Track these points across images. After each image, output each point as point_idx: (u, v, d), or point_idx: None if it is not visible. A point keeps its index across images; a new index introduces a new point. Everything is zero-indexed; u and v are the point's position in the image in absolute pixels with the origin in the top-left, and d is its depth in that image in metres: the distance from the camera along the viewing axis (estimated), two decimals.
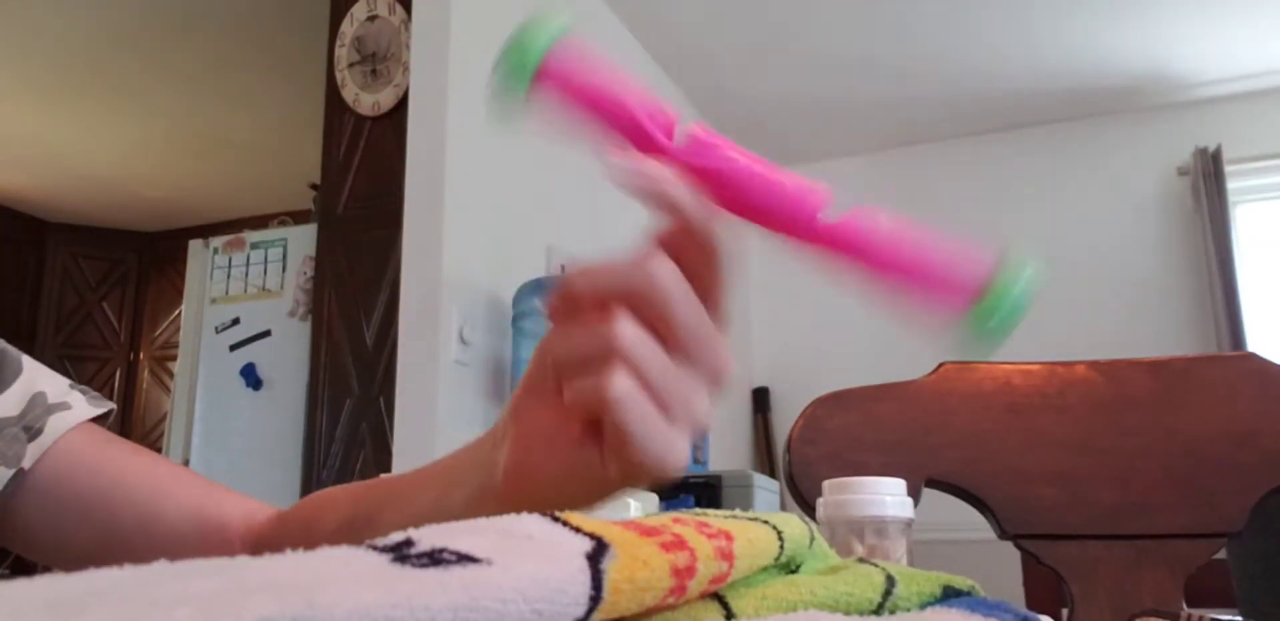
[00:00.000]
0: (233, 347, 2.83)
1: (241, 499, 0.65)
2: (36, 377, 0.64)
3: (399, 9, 2.59)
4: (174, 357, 3.86)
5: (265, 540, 0.61)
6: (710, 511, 0.35)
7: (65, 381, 0.66)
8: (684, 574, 0.27)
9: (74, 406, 0.64)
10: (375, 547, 0.22)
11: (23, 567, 4.65)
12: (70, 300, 5.15)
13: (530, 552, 0.24)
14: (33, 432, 0.61)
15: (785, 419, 4.03)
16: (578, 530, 0.26)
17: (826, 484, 0.62)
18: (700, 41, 3.48)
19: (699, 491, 2.66)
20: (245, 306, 2.87)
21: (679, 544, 0.28)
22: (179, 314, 3.80)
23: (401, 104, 2.50)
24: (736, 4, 3.26)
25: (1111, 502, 0.91)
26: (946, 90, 3.78)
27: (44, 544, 0.63)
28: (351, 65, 2.63)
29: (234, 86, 3.98)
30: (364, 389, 2.45)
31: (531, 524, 0.26)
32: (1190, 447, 0.92)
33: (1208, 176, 3.62)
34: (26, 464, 0.61)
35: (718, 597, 0.31)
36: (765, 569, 0.34)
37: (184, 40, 3.64)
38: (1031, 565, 1.04)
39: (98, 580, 0.19)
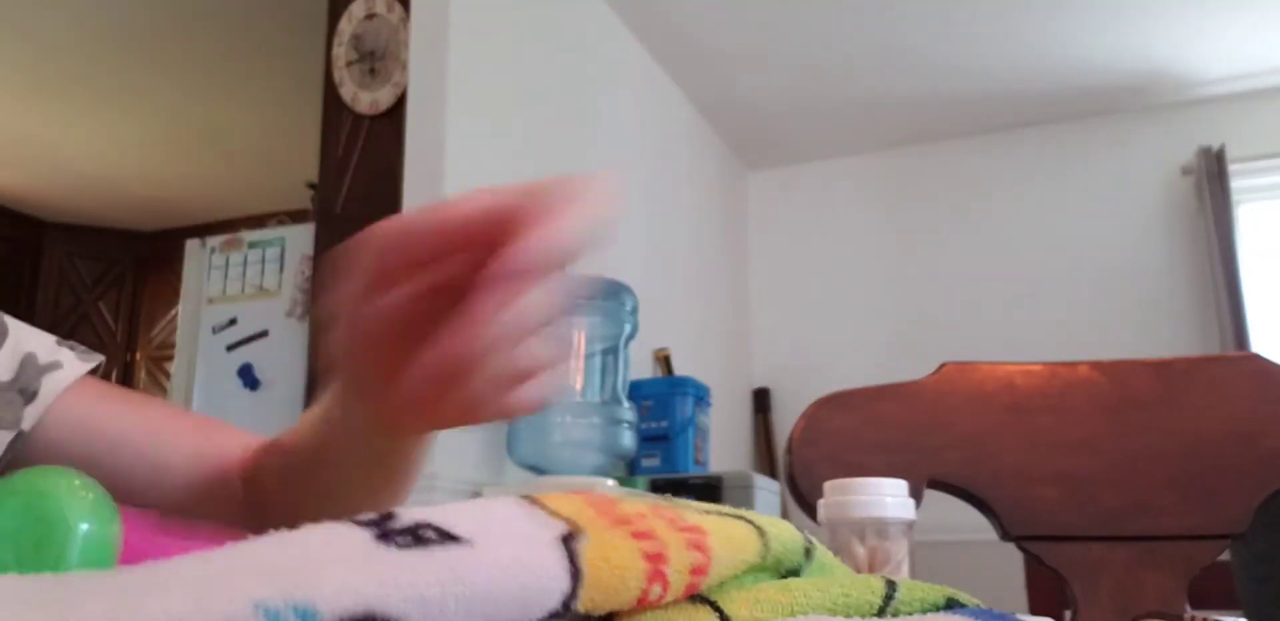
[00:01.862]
0: (230, 348, 2.82)
1: (237, 435, 0.67)
2: (23, 337, 0.65)
3: (397, 7, 2.58)
4: (171, 358, 3.85)
5: (251, 469, 0.64)
6: (692, 504, 0.35)
7: (51, 338, 0.67)
8: (656, 560, 0.28)
9: (65, 365, 0.64)
10: (358, 522, 0.23)
11: None
12: (67, 300, 5.15)
13: (507, 533, 0.25)
14: (28, 395, 0.62)
15: (786, 420, 4.02)
16: (554, 513, 0.27)
17: (827, 485, 0.61)
18: (701, 42, 3.48)
19: (699, 492, 2.66)
20: (242, 306, 2.86)
21: (647, 534, 0.28)
22: (176, 314, 3.79)
23: (400, 102, 2.50)
24: (737, 5, 3.25)
25: (1114, 504, 0.91)
26: (950, 89, 3.78)
27: None
28: (350, 63, 2.62)
29: (231, 85, 3.97)
30: None
31: (510, 505, 0.27)
32: (1193, 448, 0.91)
33: (1211, 176, 3.62)
34: (26, 426, 0.61)
35: (709, 602, 0.31)
36: (755, 571, 0.34)
37: (181, 38, 3.64)
38: (1034, 566, 1.04)
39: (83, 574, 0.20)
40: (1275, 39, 3.42)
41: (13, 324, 0.65)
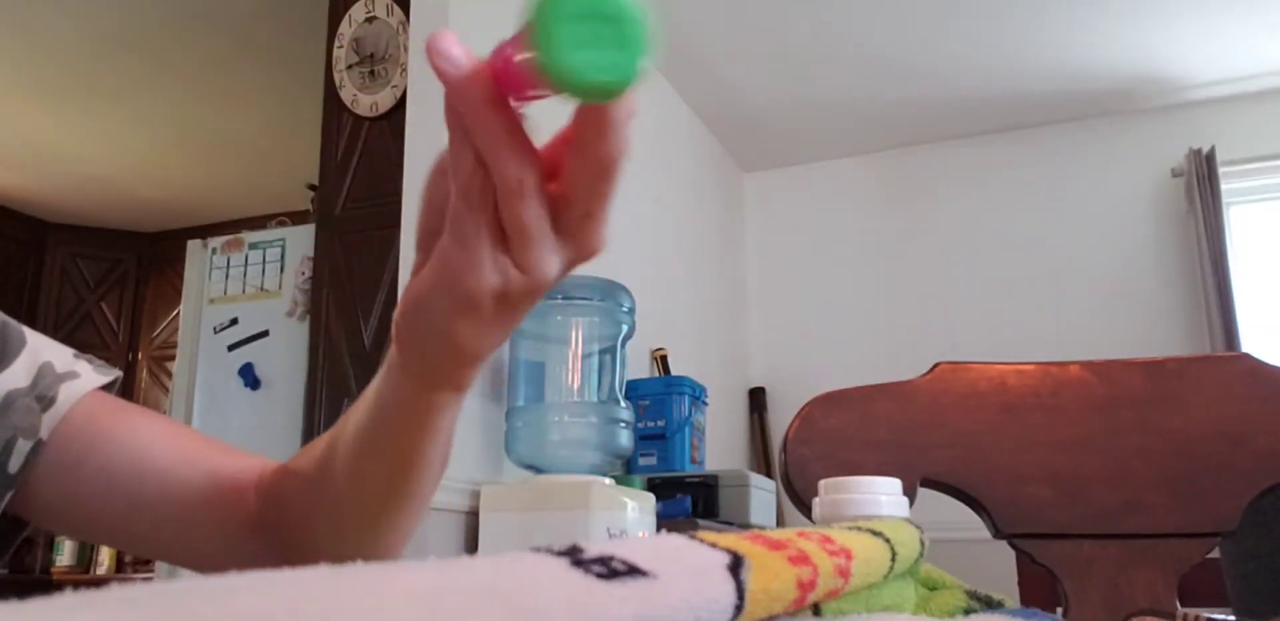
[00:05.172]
0: (231, 348, 2.83)
1: (251, 457, 0.67)
2: (41, 348, 0.64)
3: (397, 10, 2.59)
4: (172, 357, 3.86)
5: (272, 491, 0.63)
6: (834, 524, 0.37)
7: (69, 351, 0.66)
8: (807, 587, 0.30)
9: (82, 375, 0.64)
10: (548, 551, 0.24)
11: (22, 569, 4.64)
12: (69, 300, 5.15)
13: (682, 565, 0.26)
14: (45, 402, 0.62)
15: (781, 419, 4.03)
16: (714, 546, 0.28)
17: (822, 483, 0.62)
18: (699, 44, 3.49)
19: (695, 491, 2.67)
20: (244, 307, 2.87)
21: (803, 559, 0.30)
22: (177, 314, 3.80)
23: (400, 105, 2.51)
24: (736, 7, 3.26)
25: (1105, 502, 0.91)
26: (943, 92, 3.79)
27: (72, 517, 0.63)
28: (350, 66, 2.63)
29: (233, 87, 3.98)
30: (362, 389, 2.45)
31: (675, 539, 0.29)
32: (1184, 448, 0.92)
33: (1201, 178, 3.63)
34: (44, 434, 0.61)
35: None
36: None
37: (183, 41, 3.64)
38: (1026, 564, 1.05)
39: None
40: (1264, 42, 3.44)
41: (30, 335, 0.65)
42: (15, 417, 0.60)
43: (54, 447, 0.61)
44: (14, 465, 0.60)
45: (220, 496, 0.63)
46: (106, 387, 0.66)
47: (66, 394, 0.63)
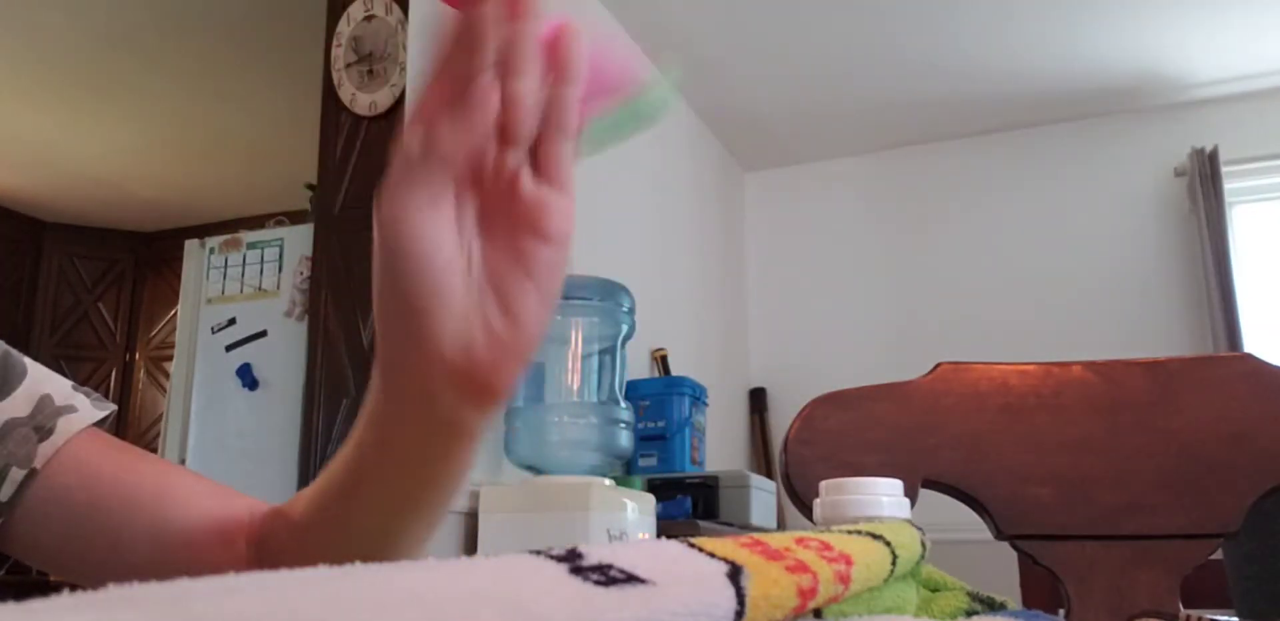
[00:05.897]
0: (229, 348, 2.83)
1: (245, 499, 0.66)
2: (41, 379, 0.65)
3: (396, 9, 2.58)
4: (170, 358, 3.85)
5: (263, 536, 0.63)
6: (834, 527, 0.37)
7: (68, 383, 0.67)
8: (807, 594, 0.30)
9: (80, 409, 0.65)
10: (549, 556, 0.24)
11: (20, 570, 4.63)
12: (66, 300, 5.15)
13: (680, 573, 0.26)
14: (43, 433, 0.62)
15: (782, 419, 4.03)
16: (712, 555, 0.29)
17: (823, 484, 0.62)
18: (700, 45, 3.49)
19: (696, 492, 2.66)
20: (241, 306, 2.86)
21: (802, 567, 0.30)
22: (175, 314, 3.80)
23: (398, 104, 2.50)
24: (736, 8, 3.26)
25: (1108, 503, 0.91)
26: (945, 91, 3.79)
27: (57, 555, 0.63)
28: (348, 65, 2.63)
29: (230, 86, 3.97)
30: (360, 389, 2.44)
31: (673, 547, 0.29)
32: (1186, 448, 0.92)
33: (1204, 177, 3.63)
34: (38, 464, 0.61)
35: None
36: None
37: (180, 40, 3.64)
38: (1028, 565, 1.04)
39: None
40: (1268, 41, 3.43)
41: (31, 366, 0.65)
42: (11, 445, 0.61)
43: (46, 479, 0.61)
44: (5, 493, 0.60)
45: (209, 541, 0.62)
46: (102, 421, 0.66)
47: (64, 426, 0.63)
